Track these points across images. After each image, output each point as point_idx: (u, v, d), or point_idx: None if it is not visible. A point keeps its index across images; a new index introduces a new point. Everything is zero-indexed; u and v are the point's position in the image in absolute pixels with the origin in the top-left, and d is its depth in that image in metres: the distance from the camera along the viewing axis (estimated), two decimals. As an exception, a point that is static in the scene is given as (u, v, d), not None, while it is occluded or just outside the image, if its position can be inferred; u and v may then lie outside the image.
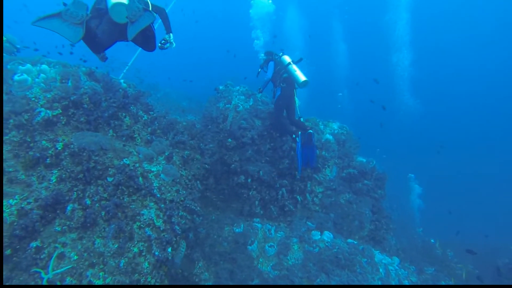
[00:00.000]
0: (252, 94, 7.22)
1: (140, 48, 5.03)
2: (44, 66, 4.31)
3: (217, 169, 6.70)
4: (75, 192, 3.83)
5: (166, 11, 4.17)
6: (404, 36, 20.43)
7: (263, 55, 6.90)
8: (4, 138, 3.96)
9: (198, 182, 5.44)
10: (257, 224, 6.16)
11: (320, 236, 6.01)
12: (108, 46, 3.93)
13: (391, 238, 7.35)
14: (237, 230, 5.98)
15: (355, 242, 6.21)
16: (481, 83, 36.26)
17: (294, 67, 6.18)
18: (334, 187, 6.98)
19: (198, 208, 5.19)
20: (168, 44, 4.39)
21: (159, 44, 4.30)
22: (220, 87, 7.44)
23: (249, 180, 6.61)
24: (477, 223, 16.38)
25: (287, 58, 6.36)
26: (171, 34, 4.39)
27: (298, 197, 6.82)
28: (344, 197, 7.01)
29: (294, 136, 6.27)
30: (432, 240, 10.68)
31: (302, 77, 6.03)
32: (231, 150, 6.63)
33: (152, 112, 5.52)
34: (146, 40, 3.90)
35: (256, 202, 6.70)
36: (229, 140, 6.55)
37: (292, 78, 6.24)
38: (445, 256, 9.75)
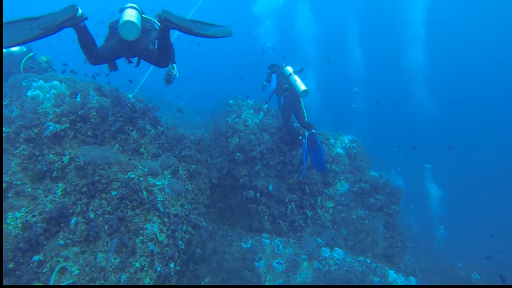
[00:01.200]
0: (261, 108, 7.20)
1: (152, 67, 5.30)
2: (55, 82, 4.44)
3: (226, 183, 6.65)
4: (79, 206, 3.84)
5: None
6: (420, 34, 20.12)
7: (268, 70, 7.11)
8: (15, 152, 4.06)
9: (204, 196, 5.38)
10: (265, 240, 6.00)
11: (330, 253, 5.79)
12: (109, 61, 4.15)
13: (407, 257, 7.00)
14: (244, 246, 5.85)
15: (368, 260, 5.93)
16: (498, 83, 34.83)
17: (295, 77, 6.34)
18: (345, 202, 6.76)
19: (204, 223, 5.11)
20: (173, 77, 4.54)
21: (166, 76, 4.47)
22: (231, 101, 7.47)
23: (258, 195, 6.52)
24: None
25: (289, 69, 6.53)
26: (174, 65, 4.51)
27: (308, 212, 6.65)
28: (356, 213, 6.77)
29: (300, 137, 6.30)
30: (455, 262, 10.08)
31: (302, 87, 6.17)
32: (240, 165, 6.58)
33: (160, 126, 5.57)
34: (160, 58, 4.05)
35: (265, 217, 6.57)
36: (238, 154, 6.50)
37: (292, 88, 6.38)
38: (469, 279, 9.15)
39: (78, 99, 4.31)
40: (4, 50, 5.63)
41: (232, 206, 6.81)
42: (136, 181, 4.16)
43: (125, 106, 4.80)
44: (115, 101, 4.72)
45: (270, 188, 6.45)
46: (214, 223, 6.53)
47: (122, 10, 3.93)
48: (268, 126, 6.74)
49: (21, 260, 3.46)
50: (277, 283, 5.33)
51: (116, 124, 4.45)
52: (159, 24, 3.94)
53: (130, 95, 5.13)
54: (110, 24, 4.22)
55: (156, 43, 4.06)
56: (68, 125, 4.16)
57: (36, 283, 3.45)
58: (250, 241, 5.86)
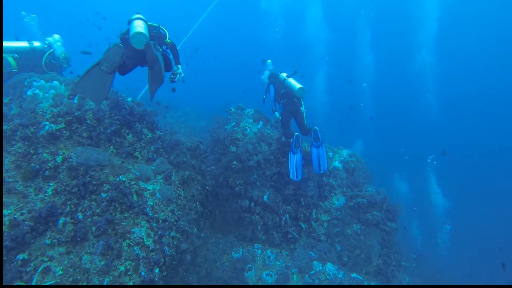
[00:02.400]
0: (261, 117, 7.21)
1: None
2: (55, 83, 4.52)
3: (221, 191, 6.63)
4: (68, 206, 3.86)
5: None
6: (431, 35, 19.92)
7: (266, 79, 7.42)
8: (10, 149, 4.11)
9: (197, 203, 5.37)
10: (257, 251, 5.93)
11: (322, 268, 5.69)
12: (130, 70, 4.42)
13: (402, 276, 6.83)
14: (235, 255, 5.79)
15: (360, 277, 5.81)
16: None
17: (290, 80, 6.57)
18: (341, 217, 6.67)
19: (195, 229, 5.10)
20: (177, 76, 4.83)
21: (170, 77, 4.71)
22: (232, 109, 7.50)
23: (252, 204, 6.47)
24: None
25: (283, 75, 6.79)
26: (179, 66, 4.84)
27: (302, 224, 6.56)
28: (351, 228, 6.66)
29: (290, 139, 6.32)
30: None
31: (297, 85, 6.39)
32: (236, 173, 6.56)
33: (158, 131, 5.60)
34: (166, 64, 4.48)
35: (259, 227, 6.50)
36: (235, 162, 6.49)
37: (290, 91, 6.60)
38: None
39: (75, 100, 4.38)
40: (27, 45, 5.99)
41: (227, 214, 6.77)
42: (127, 185, 4.17)
43: (123, 109, 4.85)
44: (112, 104, 4.78)
45: (265, 198, 6.41)
46: (208, 230, 6.49)
47: (130, 22, 4.31)
48: (266, 136, 6.73)
49: (5, 258, 3.46)
50: (265, 296, 5.25)
51: (111, 126, 4.49)
52: (164, 29, 4.69)
53: (129, 99, 5.19)
54: (121, 35, 4.53)
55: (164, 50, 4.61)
56: (64, 126, 4.21)
57: (18, 282, 3.45)
58: (241, 251, 5.80)
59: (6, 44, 5.76)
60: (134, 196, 4.15)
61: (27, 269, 3.50)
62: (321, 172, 6.37)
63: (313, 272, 5.58)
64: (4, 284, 3.36)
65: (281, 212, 6.51)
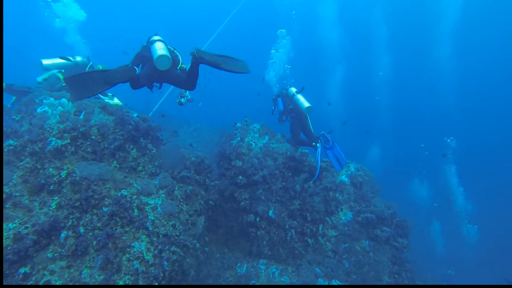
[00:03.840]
0: (267, 132, 7.23)
1: (172, 87, 6.05)
2: (64, 100, 4.70)
3: (227, 206, 6.62)
4: (70, 220, 3.94)
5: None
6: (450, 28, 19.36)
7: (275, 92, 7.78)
8: (18, 164, 4.27)
9: (201, 217, 5.36)
10: (261, 266, 5.83)
11: (327, 285, 5.52)
12: (142, 87, 4.58)
13: (416, 296, 6.54)
14: (239, 271, 5.71)
15: (369, 296, 5.60)
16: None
17: (298, 96, 6.86)
18: (349, 233, 6.50)
19: (198, 244, 5.07)
20: (185, 99, 5.13)
21: (178, 101, 4.87)
22: (238, 124, 7.56)
23: (257, 219, 6.41)
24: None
25: (292, 89, 7.13)
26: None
27: (309, 240, 6.43)
28: (360, 244, 6.47)
29: (314, 143, 6.63)
30: None
31: (305, 104, 6.67)
32: (242, 188, 6.55)
33: (162, 146, 5.70)
34: (189, 84, 4.60)
35: (264, 242, 6.41)
36: (240, 177, 6.50)
37: (297, 107, 6.90)
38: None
39: (81, 116, 4.53)
40: (71, 61, 6.59)
41: (233, 229, 6.73)
42: (128, 199, 4.23)
43: (127, 125, 4.98)
44: (118, 120, 4.91)
45: (271, 213, 6.35)
46: (214, 245, 6.45)
47: (151, 43, 4.49)
48: (271, 151, 6.73)
49: (7, 272, 3.54)
50: (269, 314, 5.12)
51: (115, 142, 4.60)
52: (179, 55, 4.88)
53: (135, 114, 5.32)
54: (138, 54, 4.83)
55: (186, 70, 4.78)
56: (69, 141, 4.35)
57: None
58: (245, 266, 5.72)
59: (54, 61, 6.35)
60: (135, 210, 4.20)
61: (28, 283, 3.55)
62: (344, 167, 6.58)
63: (318, 289, 5.42)
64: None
65: (287, 227, 6.41)
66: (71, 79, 3.61)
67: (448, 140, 14.78)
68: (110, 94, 7.51)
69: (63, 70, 6.52)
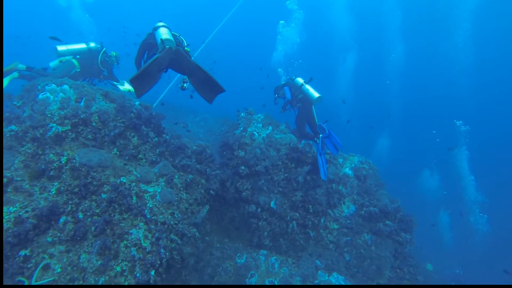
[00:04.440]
0: (271, 122, 7.14)
1: (178, 75, 6.13)
2: (65, 87, 4.71)
3: (228, 196, 6.60)
4: (70, 205, 3.98)
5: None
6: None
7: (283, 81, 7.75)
8: (20, 149, 4.32)
9: (201, 207, 5.36)
10: (261, 257, 5.83)
11: (327, 278, 5.49)
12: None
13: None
14: (239, 261, 5.72)
15: (369, 290, 5.55)
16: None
17: (307, 86, 6.97)
18: (351, 226, 6.43)
19: (197, 233, 5.08)
20: (186, 84, 5.03)
21: (180, 86, 4.91)
22: (242, 114, 7.49)
23: (259, 210, 6.39)
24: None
25: (300, 80, 7.18)
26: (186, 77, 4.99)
27: (310, 232, 6.39)
28: (362, 238, 6.40)
29: (316, 139, 6.68)
30: None
31: (315, 94, 6.79)
32: (244, 178, 6.52)
33: (165, 135, 5.69)
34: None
35: (265, 233, 6.40)
36: (242, 167, 6.46)
37: (306, 97, 6.98)
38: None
39: (82, 103, 4.53)
40: (85, 46, 6.72)
41: (234, 219, 6.73)
42: (127, 186, 4.24)
43: (129, 113, 4.97)
44: (119, 107, 4.91)
45: (272, 204, 6.31)
46: (215, 235, 6.47)
47: (156, 29, 4.64)
48: (275, 141, 6.65)
49: (8, 254, 3.60)
50: (267, 304, 5.13)
51: (116, 129, 4.61)
52: (183, 39, 4.99)
53: (137, 103, 5.31)
54: (144, 41, 4.92)
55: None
56: (70, 127, 4.37)
57: (20, 277, 3.57)
58: (245, 257, 5.72)
59: (69, 47, 6.51)
60: (134, 197, 4.21)
61: (29, 265, 3.61)
62: (339, 150, 6.58)
63: (317, 281, 5.39)
64: (5, 278, 3.49)
65: (289, 218, 6.37)
66: (136, 79, 3.90)
67: (458, 123, 14.46)
68: (121, 80, 7.60)
69: (78, 56, 6.62)
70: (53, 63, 6.44)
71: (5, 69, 5.88)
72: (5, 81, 5.60)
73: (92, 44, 6.88)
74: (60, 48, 6.35)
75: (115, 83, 7.65)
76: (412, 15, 24.74)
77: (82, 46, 6.72)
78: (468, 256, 13.39)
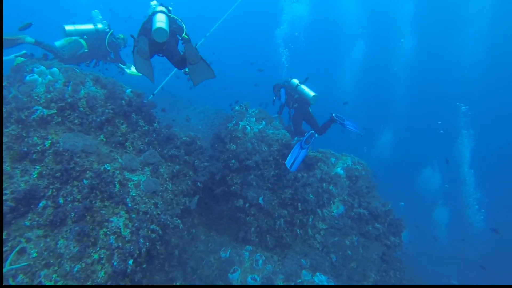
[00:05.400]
0: (265, 117, 7.06)
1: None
2: (54, 69, 4.63)
3: (217, 189, 6.54)
4: (50, 190, 3.92)
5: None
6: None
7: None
8: (5, 130, 4.24)
9: (187, 199, 5.31)
10: (245, 252, 5.78)
11: (311, 278, 5.44)
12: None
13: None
14: (223, 255, 5.67)
15: (352, 292, 5.51)
16: None
17: (303, 86, 7.04)
18: (339, 226, 6.37)
19: (181, 225, 5.03)
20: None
21: (184, 71, 5.05)
22: (237, 107, 7.41)
23: (247, 205, 6.32)
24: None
25: (295, 81, 7.25)
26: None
27: (298, 230, 6.34)
28: (350, 239, 6.34)
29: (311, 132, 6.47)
30: None
31: (311, 93, 6.87)
32: (234, 172, 6.45)
33: (155, 124, 5.61)
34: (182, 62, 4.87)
35: (252, 229, 6.34)
36: (233, 161, 6.39)
37: (303, 97, 7.05)
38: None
39: (69, 87, 4.45)
40: (92, 27, 6.72)
41: (223, 213, 6.68)
42: (111, 174, 4.17)
43: (119, 99, 4.89)
44: (109, 93, 4.82)
45: (260, 200, 6.25)
46: (202, 227, 6.42)
47: (153, 14, 4.61)
48: (267, 137, 6.57)
49: (-16, 235, 3.55)
50: (247, 300, 5.09)
51: (103, 115, 4.53)
52: (183, 23, 4.95)
53: (128, 90, 5.22)
54: (143, 25, 4.84)
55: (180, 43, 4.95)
56: (56, 111, 4.30)
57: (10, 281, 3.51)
58: (229, 251, 5.67)
59: (77, 27, 6.50)
60: (117, 185, 4.15)
61: (4, 248, 3.56)
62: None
63: (300, 280, 5.35)
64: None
65: (276, 215, 6.32)
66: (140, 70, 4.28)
67: (462, 107, 14.32)
68: (128, 63, 7.54)
69: (85, 37, 6.58)
70: (58, 42, 6.40)
71: (9, 37, 5.67)
72: (16, 60, 5.37)
73: (100, 26, 6.84)
74: (68, 27, 6.33)
75: (122, 66, 7.61)
76: (424, 8, 24.07)
77: (90, 26, 6.69)
78: (463, 256, 13.35)
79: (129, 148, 4.86)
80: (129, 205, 4.09)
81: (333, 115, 6.79)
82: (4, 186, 3.81)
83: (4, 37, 5.42)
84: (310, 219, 6.33)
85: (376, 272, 6.20)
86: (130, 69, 7.69)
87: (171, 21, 4.80)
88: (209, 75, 4.75)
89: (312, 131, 6.27)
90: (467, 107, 14.58)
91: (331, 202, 6.40)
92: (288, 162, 5.93)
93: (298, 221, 6.32)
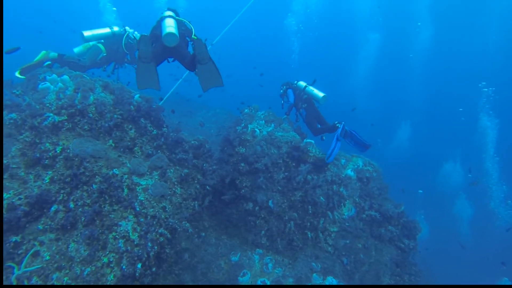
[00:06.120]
0: (274, 120, 7.03)
1: (187, 72, 6.24)
2: (65, 77, 4.76)
3: (227, 192, 6.55)
4: (61, 194, 4.02)
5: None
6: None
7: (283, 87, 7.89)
8: (19, 137, 4.39)
9: (196, 202, 5.34)
10: (255, 256, 5.76)
11: (321, 281, 5.36)
12: (161, 62, 4.95)
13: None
14: (233, 258, 5.67)
15: (365, 296, 5.40)
16: None
17: (311, 88, 7.13)
18: (351, 229, 6.26)
19: (190, 229, 5.06)
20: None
21: (195, 72, 5.06)
22: (246, 110, 7.42)
23: (257, 208, 6.30)
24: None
25: (302, 83, 7.33)
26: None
27: (309, 233, 6.27)
28: (362, 242, 6.22)
29: (336, 123, 6.58)
30: None
31: (320, 94, 6.93)
32: (244, 175, 6.45)
33: (164, 128, 5.68)
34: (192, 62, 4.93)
35: (262, 232, 6.31)
36: (242, 164, 6.39)
37: (312, 98, 7.18)
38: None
39: (79, 94, 4.57)
40: (109, 31, 6.89)
41: (233, 216, 6.68)
42: (119, 178, 4.25)
43: (127, 105, 4.97)
44: (117, 99, 4.92)
45: (270, 203, 6.21)
46: (213, 231, 6.45)
47: (162, 19, 4.69)
48: (276, 139, 6.53)
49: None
50: (257, 303, 5.06)
51: (111, 121, 4.62)
52: (191, 25, 5.04)
53: (137, 95, 5.31)
54: (152, 30, 4.95)
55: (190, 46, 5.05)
56: (66, 118, 4.41)
57: (10, 263, 3.64)
58: (239, 255, 5.67)
59: (94, 32, 6.65)
60: (125, 190, 4.22)
61: (19, 251, 3.68)
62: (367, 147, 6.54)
63: (310, 284, 5.28)
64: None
65: (287, 218, 6.26)
66: (141, 85, 4.38)
67: (485, 89, 13.76)
68: None
69: (102, 41, 6.81)
70: (77, 49, 6.65)
71: (35, 60, 6.02)
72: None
73: (116, 28, 7.03)
74: (86, 33, 6.51)
75: None
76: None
77: (106, 30, 6.86)
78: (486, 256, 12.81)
79: (138, 152, 4.94)
80: (137, 209, 4.14)
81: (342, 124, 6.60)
82: (18, 191, 3.94)
83: (29, 64, 5.76)
84: (321, 222, 6.24)
85: (390, 276, 6.06)
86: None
87: (179, 24, 4.88)
88: (218, 82, 4.81)
89: (343, 122, 6.40)
90: (492, 88, 13.93)
91: (342, 204, 6.30)
92: (329, 158, 6.10)
93: (308, 223, 6.25)
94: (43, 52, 6.19)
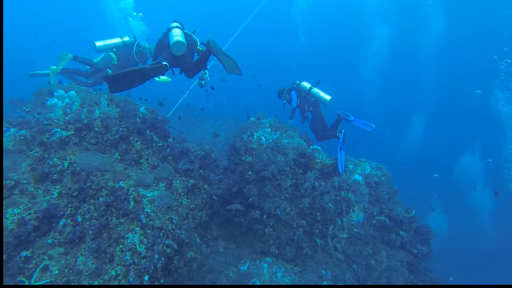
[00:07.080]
0: (279, 127, 7.01)
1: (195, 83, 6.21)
2: (72, 92, 4.87)
3: (235, 202, 6.54)
4: (69, 208, 4.09)
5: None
6: None
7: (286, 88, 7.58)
8: (29, 153, 4.51)
9: (203, 212, 5.35)
10: (264, 264, 5.72)
11: (332, 290, 5.27)
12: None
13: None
14: (242, 268, 5.64)
15: (377, 305, 5.27)
16: None
17: (316, 90, 6.89)
18: (360, 235, 6.15)
19: (198, 239, 5.07)
20: (203, 81, 5.11)
21: (199, 83, 5.05)
22: (252, 118, 7.42)
23: (265, 217, 6.27)
24: None
25: (306, 84, 7.05)
26: (206, 71, 5.09)
27: (318, 240, 6.19)
28: (372, 248, 6.10)
29: (337, 133, 6.55)
30: None
31: (327, 97, 6.73)
32: (251, 183, 6.43)
33: (170, 139, 5.73)
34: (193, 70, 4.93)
35: (271, 241, 6.27)
36: (249, 173, 6.37)
37: (318, 100, 6.95)
38: None
39: (85, 109, 4.66)
40: (120, 40, 7.11)
41: (241, 225, 6.65)
42: (125, 191, 4.30)
43: (133, 117, 5.05)
44: (122, 112, 5.00)
45: (278, 211, 6.17)
46: (221, 240, 6.44)
47: (170, 29, 4.77)
48: (282, 146, 6.50)
49: (12, 254, 3.76)
50: (267, 314, 5.00)
51: (117, 134, 4.69)
52: (196, 37, 5.09)
53: (142, 108, 5.38)
54: (159, 41, 5.00)
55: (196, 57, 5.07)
56: (73, 132, 4.51)
57: (20, 277, 3.71)
58: (247, 264, 5.63)
59: (106, 42, 6.91)
60: (131, 202, 4.26)
61: (29, 266, 3.75)
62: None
63: (320, 293, 5.19)
64: (5, 277, 3.64)
65: (295, 226, 6.21)
66: (112, 78, 3.80)
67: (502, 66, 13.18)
68: None
69: (114, 49, 7.00)
70: (96, 60, 6.94)
71: (63, 67, 6.18)
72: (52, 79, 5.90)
73: (126, 38, 7.25)
74: (98, 43, 6.73)
75: None
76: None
77: (117, 40, 7.09)
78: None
79: (144, 164, 4.99)
80: (144, 221, 4.17)
81: (339, 112, 6.79)
82: (28, 206, 4.03)
83: (59, 71, 5.98)
84: (330, 229, 6.16)
85: (403, 283, 5.90)
86: (159, 78, 7.94)
87: (186, 35, 4.96)
88: (237, 70, 4.75)
89: (343, 130, 6.37)
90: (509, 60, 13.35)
91: (351, 210, 6.20)
92: (340, 168, 6.01)
93: (317, 230, 6.17)
94: (63, 52, 6.35)
